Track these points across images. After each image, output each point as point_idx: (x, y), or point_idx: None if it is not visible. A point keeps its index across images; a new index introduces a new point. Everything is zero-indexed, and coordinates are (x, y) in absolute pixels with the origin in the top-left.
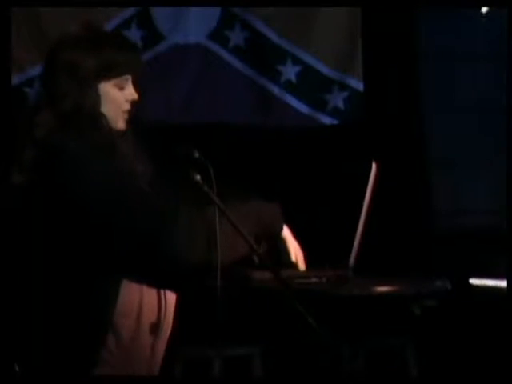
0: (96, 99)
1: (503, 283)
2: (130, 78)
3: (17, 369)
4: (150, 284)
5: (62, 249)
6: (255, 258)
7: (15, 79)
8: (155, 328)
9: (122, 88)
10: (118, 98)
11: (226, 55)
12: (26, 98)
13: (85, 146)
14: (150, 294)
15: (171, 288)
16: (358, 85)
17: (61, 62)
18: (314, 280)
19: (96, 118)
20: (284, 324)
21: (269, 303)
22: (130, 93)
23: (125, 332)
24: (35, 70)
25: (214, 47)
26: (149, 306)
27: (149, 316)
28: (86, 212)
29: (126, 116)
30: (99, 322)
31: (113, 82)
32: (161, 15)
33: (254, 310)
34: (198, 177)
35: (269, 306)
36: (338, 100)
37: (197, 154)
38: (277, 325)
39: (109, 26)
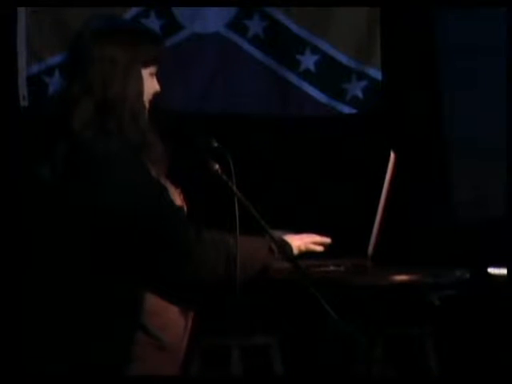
0: (140, 85)
1: None
2: (156, 68)
3: None
4: (169, 297)
5: (88, 250)
6: (274, 248)
7: (34, 68)
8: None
9: (152, 77)
10: (149, 88)
11: (245, 45)
12: (44, 86)
13: (117, 147)
14: None
15: (189, 304)
16: (377, 74)
17: (98, 54)
18: (332, 269)
19: (138, 110)
20: (302, 313)
21: (287, 292)
22: (155, 83)
23: (154, 329)
24: (55, 60)
25: (233, 37)
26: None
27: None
28: (108, 216)
29: (148, 106)
30: (127, 321)
31: (148, 70)
32: None
33: (273, 300)
34: (217, 166)
35: (287, 295)
36: (356, 89)
37: (215, 144)
38: (295, 314)
39: (128, 14)
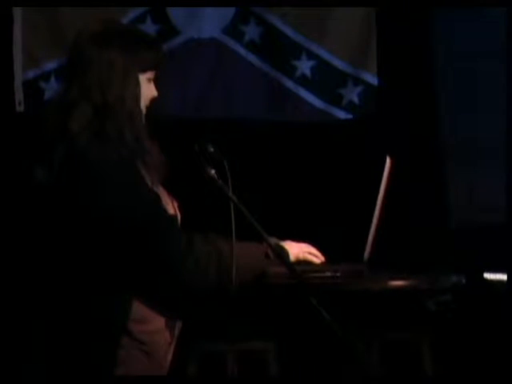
0: (138, 90)
1: None
2: (154, 73)
3: None
4: (159, 306)
5: (79, 254)
6: (270, 253)
7: (30, 73)
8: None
9: (150, 82)
10: (146, 93)
11: (241, 50)
12: (41, 92)
13: (112, 153)
14: None
15: (178, 314)
16: (373, 79)
17: (97, 58)
18: (328, 274)
19: (135, 115)
20: (299, 318)
21: (284, 298)
22: (153, 89)
23: (140, 334)
24: (51, 65)
25: (229, 42)
26: None
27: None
28: (99, 221)
29: (145, 112)
30: (113, 326)
31: (146, 75)
32: (176, 9)
33: (269, 305)
34: (213, 171)
35: (284, 300)
36: (352, 94)
37: (212, 149)
38: (291, 319)
39: (125, 19)
